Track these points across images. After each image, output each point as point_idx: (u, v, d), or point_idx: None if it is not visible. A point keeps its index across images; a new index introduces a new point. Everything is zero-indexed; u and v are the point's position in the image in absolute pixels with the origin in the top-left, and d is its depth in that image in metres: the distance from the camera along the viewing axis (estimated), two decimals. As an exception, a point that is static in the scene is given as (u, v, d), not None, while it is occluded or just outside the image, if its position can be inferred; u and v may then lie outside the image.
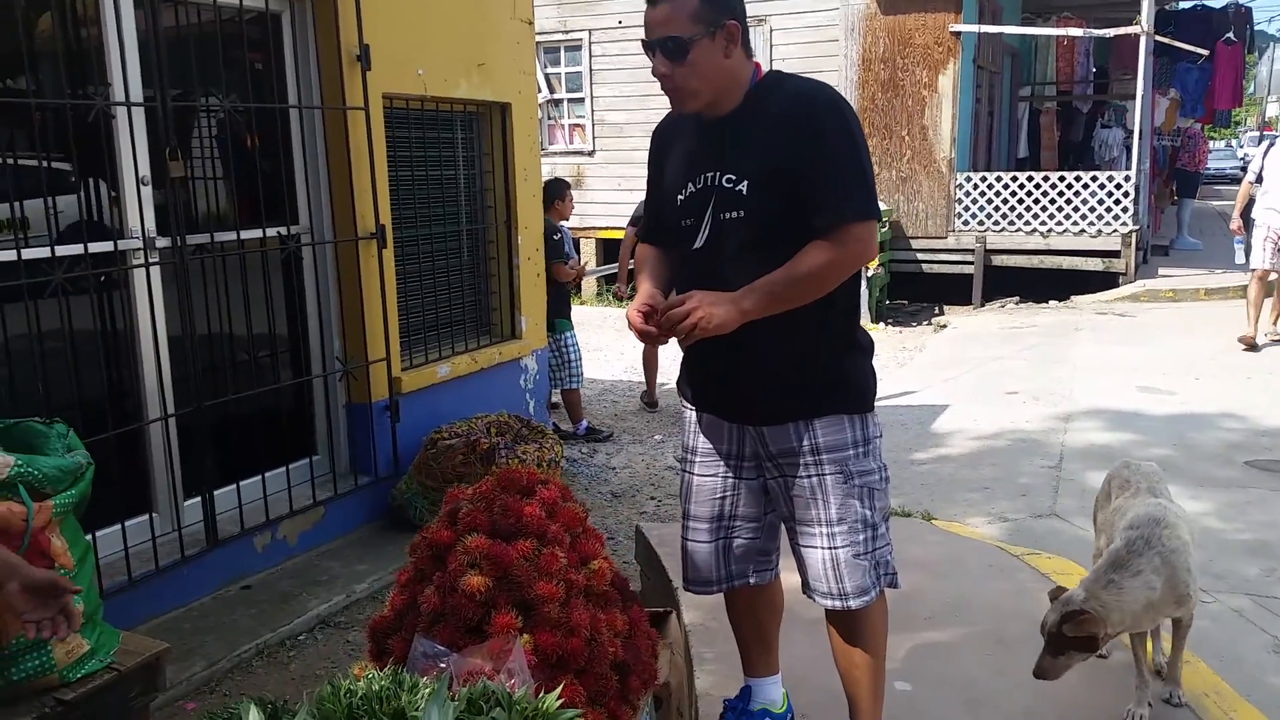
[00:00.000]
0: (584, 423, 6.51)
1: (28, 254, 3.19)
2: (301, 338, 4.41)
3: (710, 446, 2.37)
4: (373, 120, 4.36)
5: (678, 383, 2.51)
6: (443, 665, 1.54)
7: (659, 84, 2.13)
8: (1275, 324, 8.35)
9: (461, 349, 5.19)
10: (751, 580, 2.44)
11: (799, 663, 2.87)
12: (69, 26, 3.60)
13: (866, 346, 2.32)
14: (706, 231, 2.18)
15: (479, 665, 1.55)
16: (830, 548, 2.21)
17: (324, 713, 1.40)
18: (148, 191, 3.65)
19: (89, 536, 3.38)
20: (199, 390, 3.80)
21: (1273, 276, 8.02)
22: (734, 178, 2.13)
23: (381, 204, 4.44)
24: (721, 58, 2.10)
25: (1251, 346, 8.00)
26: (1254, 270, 8.01)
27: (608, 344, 9.79)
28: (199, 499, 3.85)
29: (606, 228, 13.28)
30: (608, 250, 13.35)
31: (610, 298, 12.79)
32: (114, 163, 3.56)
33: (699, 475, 2.39)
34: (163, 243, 3.71)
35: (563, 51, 13.23)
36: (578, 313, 11.76)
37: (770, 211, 2.10)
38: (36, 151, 3.29)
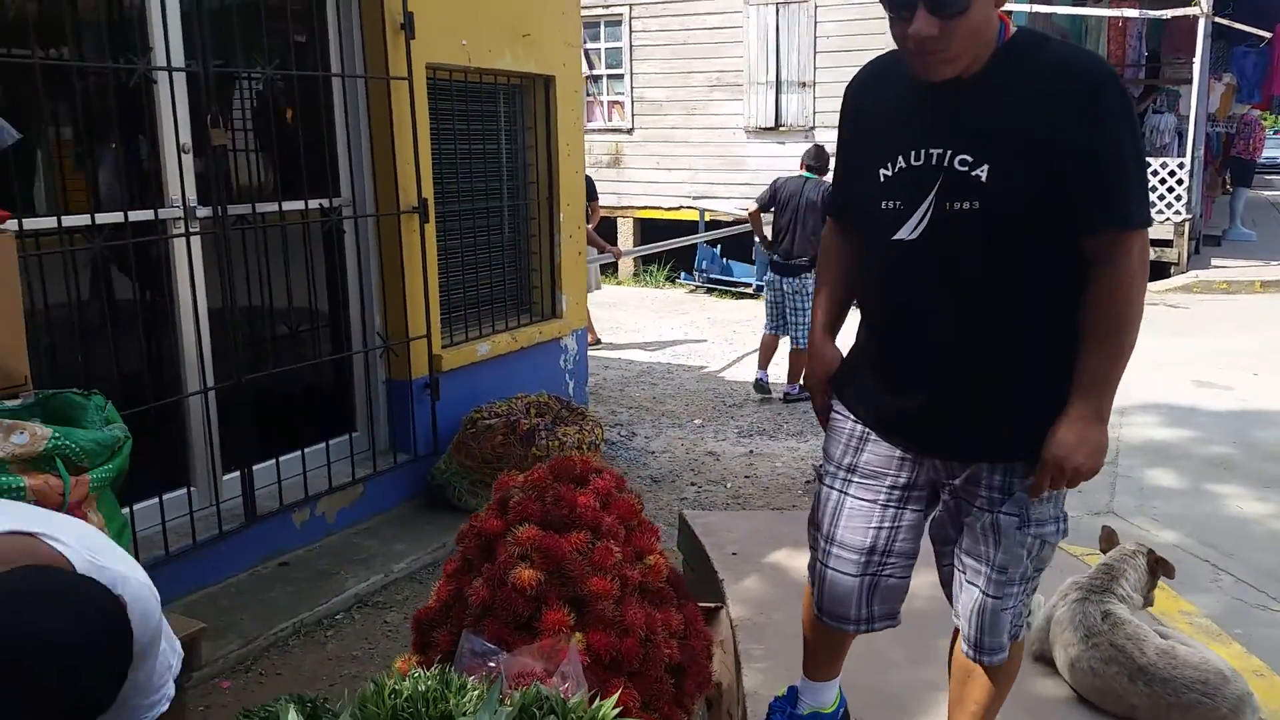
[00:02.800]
0: (798, 385, 6.44)
1: (68, 221, 3.13)
2: (342, 312, 4.34)
3: (876, 469, 2.01)
4: (416, 91, 4.26)
5: (835, 380, 2.12)
6: (492, 664, 1.45)
7: (905, 45, 1.71)
8: None
9: (502, 327, 5.11)
10: (894, 623, 2.12)
11: (850, 659, 2.76)
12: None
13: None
14: (923, 222, 1.78)
15: (530, 666, 1.45)
16: (985, 593, 1.93)
17: (367, 714, 1.31)
18: (189, 160, 3.59)
19: (126, 510, 3.36)
20: (239, 364, 3.74)
21: None
22: (970, 159, 1.72)
23: (424, 177, 4.35)
24: (993, 10, 1.69)
25: None
26: None
27: (645, 324, 9.68)
28: (238, 474, 3.80)
29: (644, 207, 13.15)
30: (644, 230, 13.22)
31: (647, 277, 12.67)
32: (155, 130, 3.50)
33: (854, 498, 2.02)
34: (203, 212, 3.65)
35: (603, 26, 13.06)
36: (614, 293, 11.71)
37: (1013, 207, 1.71)
38: (79, 118, 3.23)
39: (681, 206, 12.77)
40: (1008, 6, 10.58)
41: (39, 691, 0.96)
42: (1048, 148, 1.68)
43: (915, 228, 1.79)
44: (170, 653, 1.37)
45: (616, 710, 1.35)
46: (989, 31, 1.70)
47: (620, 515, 1.76)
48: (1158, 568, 2.78)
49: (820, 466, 2.15)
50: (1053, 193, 1.69)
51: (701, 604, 2.31)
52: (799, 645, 2.41)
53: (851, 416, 2.05)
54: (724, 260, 11.61)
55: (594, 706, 1.34)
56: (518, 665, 1.46)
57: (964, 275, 1.78)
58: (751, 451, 5.65)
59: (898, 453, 1.97)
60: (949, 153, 1.74)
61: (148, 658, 1.23)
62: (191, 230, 3.60)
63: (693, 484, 5.16)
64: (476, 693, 1.35)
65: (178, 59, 3.47)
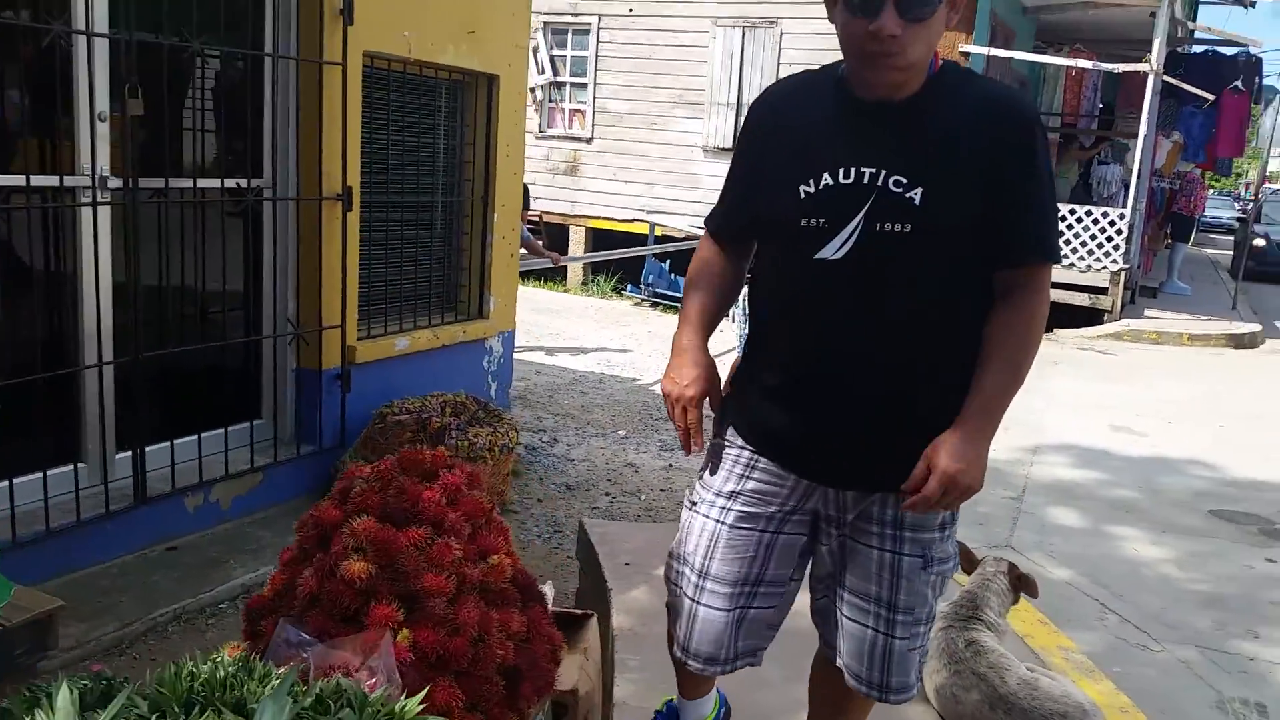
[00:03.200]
0: None
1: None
2: (254, 296, 4.26)
3: (762, 495, 1.92)
4: (350, 78, 4.20)
5: (723, 410, 2.02)
6: (304, 655, 1.41)
7: (861, 45, 1.68)
8: None
9: (424, 323, 5.05)
10: (754, 661, 2.05)
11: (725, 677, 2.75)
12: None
13: None
14: (849, 242, 1.73)
15: (345, 658, 1.42)
16: (887, 634, 1.88)
17: (159, 696, 1.27)
18: (104, 128, 3.50)
19: (3, 483, 3.26)
20: (140, 340, 3.65)
21: None
22: (905, 180, 1.70)
23: (351, 165, 4.29)
24: (943, 28, 1.70)
25: None
26: None
27: (585, 333, 9.66)
28: (130, 453, 3.71)
29: (598, 217, 13.15)
30: (596, 240, 13.22)
31: (594, 287, 12.66)
32: (69, 95, 3.41)
33: (734, 528, 1.92)
34: (115, 184, 3.56)
35: (570, 34, 13.07)
36: (559, 300, 11.67)
37: (945, 232, 1.70)
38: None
39: (634, 219, 12.80)
40: (970, 49, 10.81)
41: None
42: (983, 177, 1.69)
43: (840, 247, 1.74)
44: None
45: (423, 706, 1.32)
46: (929, 53, 1.71)
47: (467, 513, 1.73)
48: (1019, 584, 2.81)
49: (689, 498, 2.03)
50: (983, 221, 1.70)
51: (568, 610, 2.29)
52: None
53: (739, 441, 1.95)
54: (672, 275, 11.64)
55: (398, 703, 1.31)
56: (331, 657, 1.42)
57: (888, 297, 1.74)
58: (670, 465, 5.65)
59: (790, 478, 1.90)
60: (883, 172, 1.71)
61: None
62: (100, 200, 3.52)
63: (607, 494, 5.14)
64: (277, 681, 1.31)
65: (101, 24, 3.39)
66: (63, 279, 3.59)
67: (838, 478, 1.86)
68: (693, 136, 12.32)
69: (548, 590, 2.22)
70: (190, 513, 3.92)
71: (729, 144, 11.93)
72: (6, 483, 3.31)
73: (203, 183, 3.87)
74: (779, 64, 11.59)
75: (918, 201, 1.69)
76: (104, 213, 3.55)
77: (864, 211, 1.72)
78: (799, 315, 1.84)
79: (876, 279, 1.74)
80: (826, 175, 1.75)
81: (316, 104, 4.13)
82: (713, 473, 1.98)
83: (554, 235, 12.77)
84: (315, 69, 4.12)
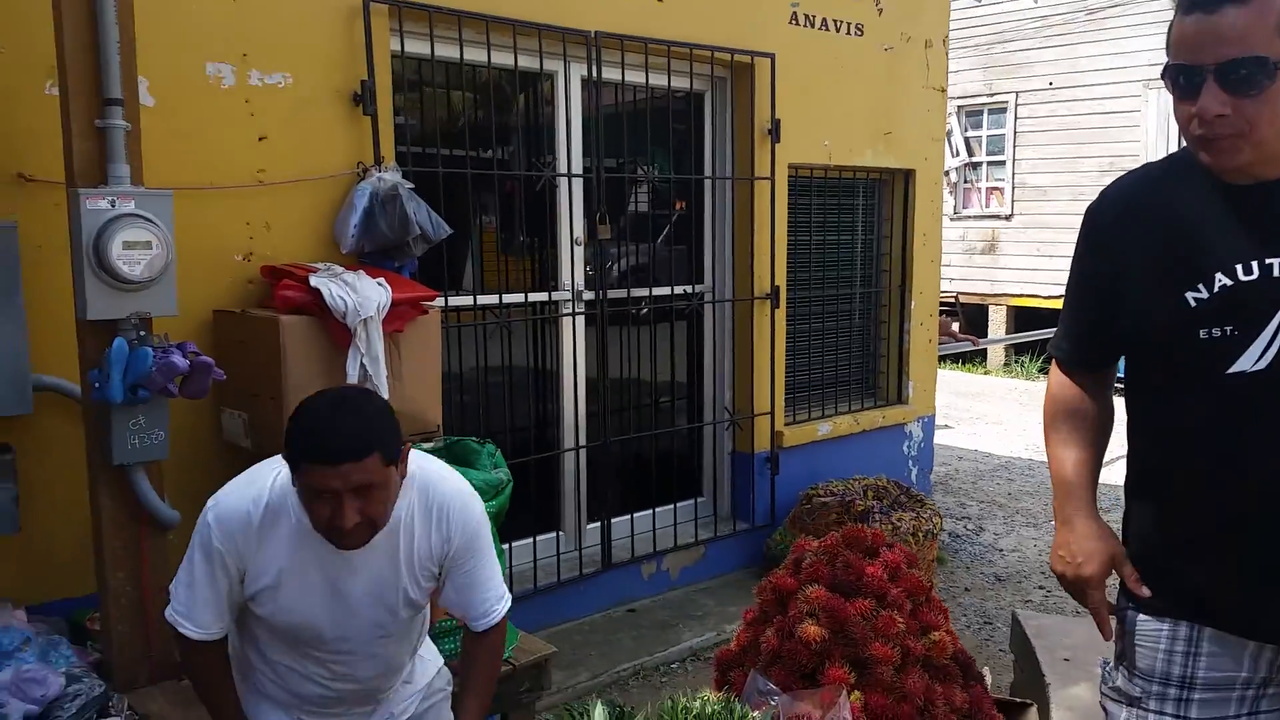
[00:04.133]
0: None
1: (481, 299, 3.82)
2: (697, 388, 4.77)
3: (1223, 674, 1.61)
4: (776, 189, 4.63)
5: (1145, 580, 1.68)
6: (773, 702, 1.64)
7: (1190, 130, 1.49)
8: None
9: (845, 409, 5.27)
10: None
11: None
12: (530, 105, 4.26)
13: None
14: (1272, 347, 1.49)
15: (807, 710, 1.63)
16: None
17: (662, 718, 1.56)
18: (579, 250, 4.20)
19: (505, 546, 3.94)
20: (607, 427, 4.25)
21: None
22: None
23: (778, 267, 4.68)
24: None
25: None
26: None
27: (1010, 418, 9.28)
28: (599, 524, 4.30)
29: (1020, 295, 12.64)
30: (1019, 318, 12.68)
31: (1018, 368, 12.11)
32: (555, 225, 4.15)
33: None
34: (588, 295, 4.23)
35: (985, 114, 12.89)
36: (980, 382, 11.31)
37: None
38: (496, 211, 3.95)
39: (1062, 295, 12.10)
40: None
41: None
42: None
43: (1260, 356, 1.49)
44: None
45: (877, 761, 1.48)
46: None
47: (907, 589, 1.88)
48: None
49: (1115, 689, 1.71)
50: None
51: (1009, 698, 2.32)
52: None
53: (1166, 616, 1.64)
54: (1105, 353, 10.82)
55: (856, 753, 1.49)
56: (796, 708, 1.64)
57: None
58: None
59: (1249, 647, 1.58)
60: None
61: None
62: (578, 310, 4.20)
63: (1041, 587, 4.92)
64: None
65: (576, 164, 4.11)
66: (548, 376, 4.31)
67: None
68: (1125, 204, 11.48)
69: (986, 675, 2.27)
70: (645, 579, 4.43)
71: (1169, 209, 10.98)
72: (506, 546, 4.01)
73: (656, 291, 4.46)
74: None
75: None
76: (579, 320, 4.23)
77: None
78: (1212, 443, 1.57)
79: None
80: (1221, 275, 1.52)
81: (749, 215, 4.59)
82: (1144, 657, 1.66)
83: (971, 316, 12.46)
84: (748, 185, 4.59)
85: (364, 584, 1.77)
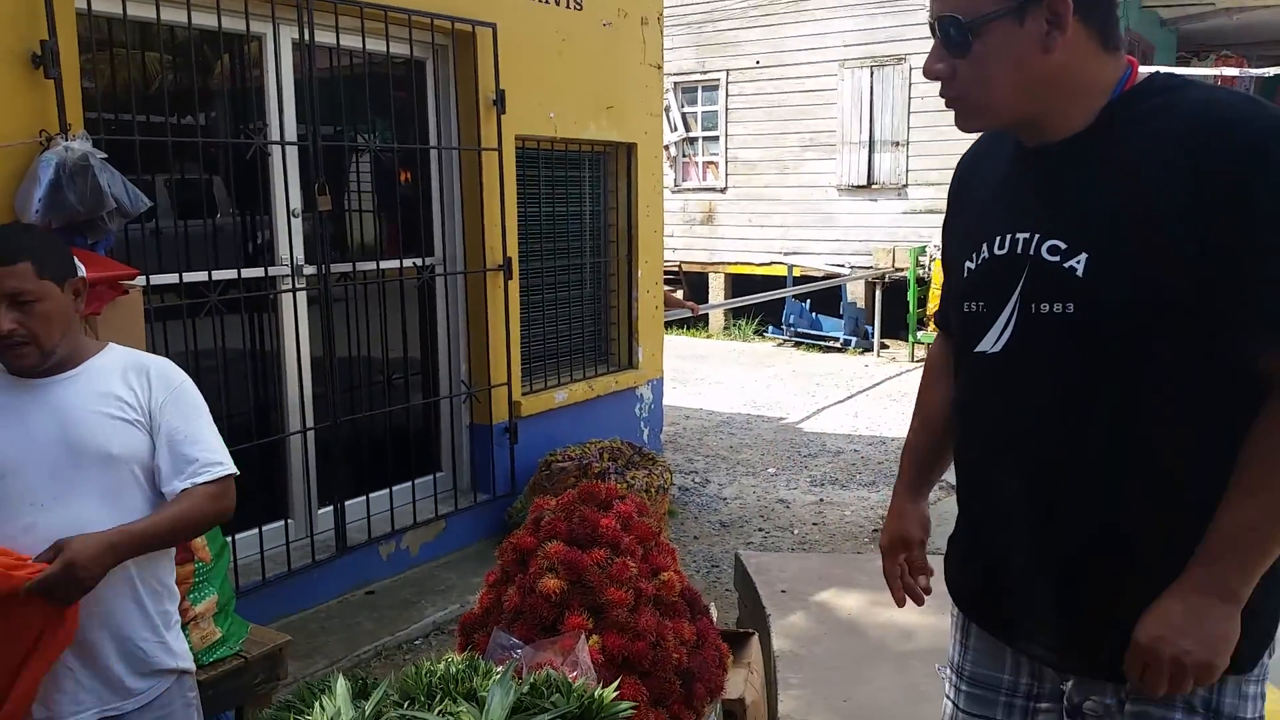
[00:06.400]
0: None
1: (188, 277, 3.56)
2: (431, 362, 4.72)
3: (986, 671, 1.52)
4: (505, 160, 4.65)
5: (946, 558, 1.60)
6: (515, 655, 1.69)
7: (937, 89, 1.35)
8: None
9: (580, 376, 5.42)
10: None
11: (882, 693, 2.89)
12: (236, 70, 4.01)
13: None
14: (1007, 330, 1.34)
15: (548, 658, 1.69)
16: None
17: (405, 688, 1.57)
18: (297, 223, 4.02)
19: (228, 538, 3.73)
20: (336, 407, 4.12)
21: None
22: (1062, 245, 1.28)
23: (510, 238, 4.72)
24: (1037, 52, 1.26)
25: None
26: None
27: (731, 377, 9.89)
28: (331, 508, 4.16)
29: (735, 263, 13.43)
30: (735, 285, 13.49)
31: (735, 331, 12.91)
32: (268, 196, 3.94)
33: (965, 713, 1.54)
34: (309, 270, 4.06)
35: (700, 91, 13.52)
36: (702, 345, 11.97)
37: (1122, 312, 1.24)
38: (201, 183, 3.69)
39: (772, 262, 13.00)
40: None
41: None
42: (1179, 229, 1.20)
43: (998, 338, 1.35)
44: None
45: (616, 695, 1.57)
46: (1053, 80, 1.29)
47: (639, 536, 2.00)
48: None
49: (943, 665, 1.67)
50: (1187, 294, 1.21)
51: (732, 629, 2.52)
52: (834, 675, 2.55)
53: (956, 602, 1.58)
54: (813, 315, 11.76)
55: (596, 690, 1.57)
56: (537, 657, 1.70)
57: (1065, 405, 1.29)
58: (822, 500, 5.79)
59: (1007, 651, 1.48)
60: (1036, 236, 1.30)
61: None
62: (298, 286, 4.02)
63: (760, 529, 5.33)
64: (497, 676, 1.59)
65: (290, 132, 3.92)
66: (268, 356, 4.10)
67: (1029, 644, 1.44)
68: (826, 177, 12.48)
69: (712, 610, 2.45)
70: (384, 560, 4.35)
71: (863, 181, 12.05)
72: (230, 538, 3.79)
73: (384, 264, 4.36)
74: (910, 99, 11.66)
75: (1080, 273, 1.25)
76: (301, 297, 4.05)
77: (1018, 290, 1.32)
78: (967, 428, 1.48)
79: (1039, 380, 1.32)
80: (985, 246, 1.38)
81: (477, 187, 4.58)
82: (950, 640, 1.60)
83: (693, 284, 13.11)
84: (475, 155, 4.57)
85: (48, 415, 1.77)
